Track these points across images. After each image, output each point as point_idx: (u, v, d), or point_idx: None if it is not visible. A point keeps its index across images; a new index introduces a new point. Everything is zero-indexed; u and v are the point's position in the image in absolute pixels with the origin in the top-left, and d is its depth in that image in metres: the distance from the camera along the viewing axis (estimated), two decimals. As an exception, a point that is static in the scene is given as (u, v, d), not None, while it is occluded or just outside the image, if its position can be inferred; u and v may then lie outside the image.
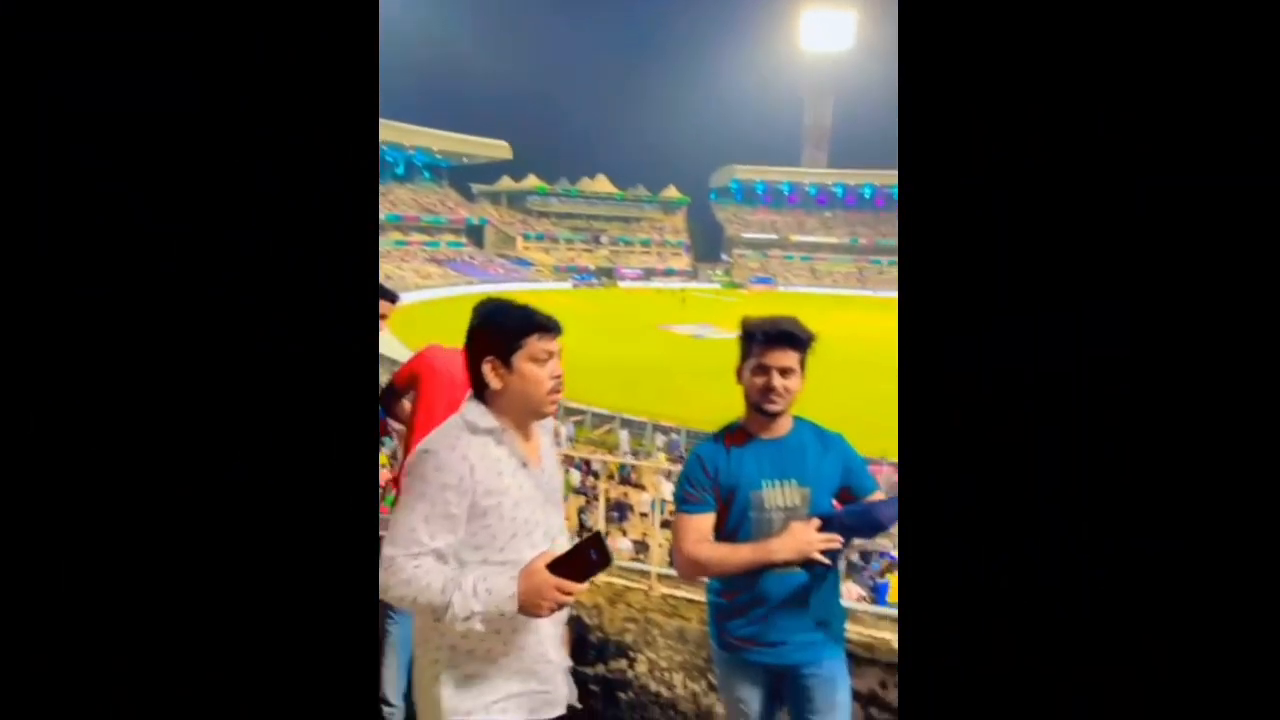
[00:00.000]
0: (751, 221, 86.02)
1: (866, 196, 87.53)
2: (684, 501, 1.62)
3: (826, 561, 1.48)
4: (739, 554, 1.55)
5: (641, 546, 8.76)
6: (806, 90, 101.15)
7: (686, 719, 2.23)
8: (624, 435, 15.90)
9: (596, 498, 12.06)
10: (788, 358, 1.58)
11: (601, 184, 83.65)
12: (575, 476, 12.94)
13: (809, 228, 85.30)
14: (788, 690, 1.67)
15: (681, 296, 50.92)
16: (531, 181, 78.72)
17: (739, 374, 1.65)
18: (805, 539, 1.49)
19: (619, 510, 11.99)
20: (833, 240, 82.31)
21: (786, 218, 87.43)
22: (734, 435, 1.66)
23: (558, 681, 1.37)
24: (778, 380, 1.57)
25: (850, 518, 1.53)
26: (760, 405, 1.60)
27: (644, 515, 11.26)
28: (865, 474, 1.69)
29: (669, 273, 74.61)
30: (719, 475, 1.61)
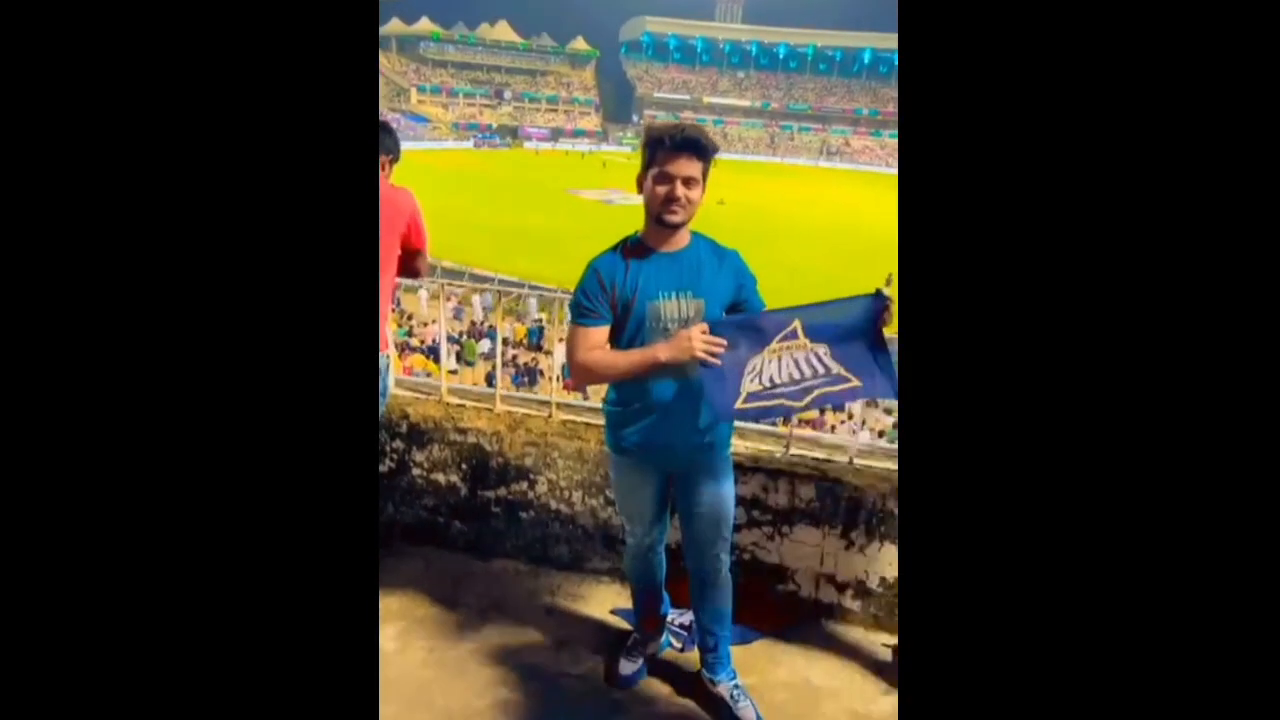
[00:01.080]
0: (664, 80, 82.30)
1: (780, 56, 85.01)
2: (579, 314, 1.63)
3: (714, 361, 1.52)
4: (627, 357, 1.59)
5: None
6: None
7: (585, 530, 2.40)
8: (533, 303, 15.75)
9: (506, 364, 12.15)
10: (692, 166, 1.54)
11: (503, 31, 76.80)
12: (485, 344, 12.87)
13: (722, 88, 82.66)
14: (677, 487, 1.80)
15: (602, 161, 49.24)
16: (425, 25, 71.19)
17: (640, 183, 1.60)
18: (687, 338, 1.52)
19: (529, 375, 12.13)
20: (745, 104, 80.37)
21: (699, 77, 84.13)
22: (632, 248, 1.65)
23: None
24: (680, 190, 1.54)
25: (735, 323, 1.59)
26: (661, 215, 1.57)
27: (555, 378, 11.42)
28: (755, 291, 1.72)
29: (578, 134, 71.27)
30: (615, 288, 1.61)
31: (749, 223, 26.08)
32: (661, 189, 1.55)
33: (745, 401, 1.60)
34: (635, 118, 77.03)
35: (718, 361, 1.52)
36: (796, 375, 1.62)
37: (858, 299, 1.58)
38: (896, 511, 2.14)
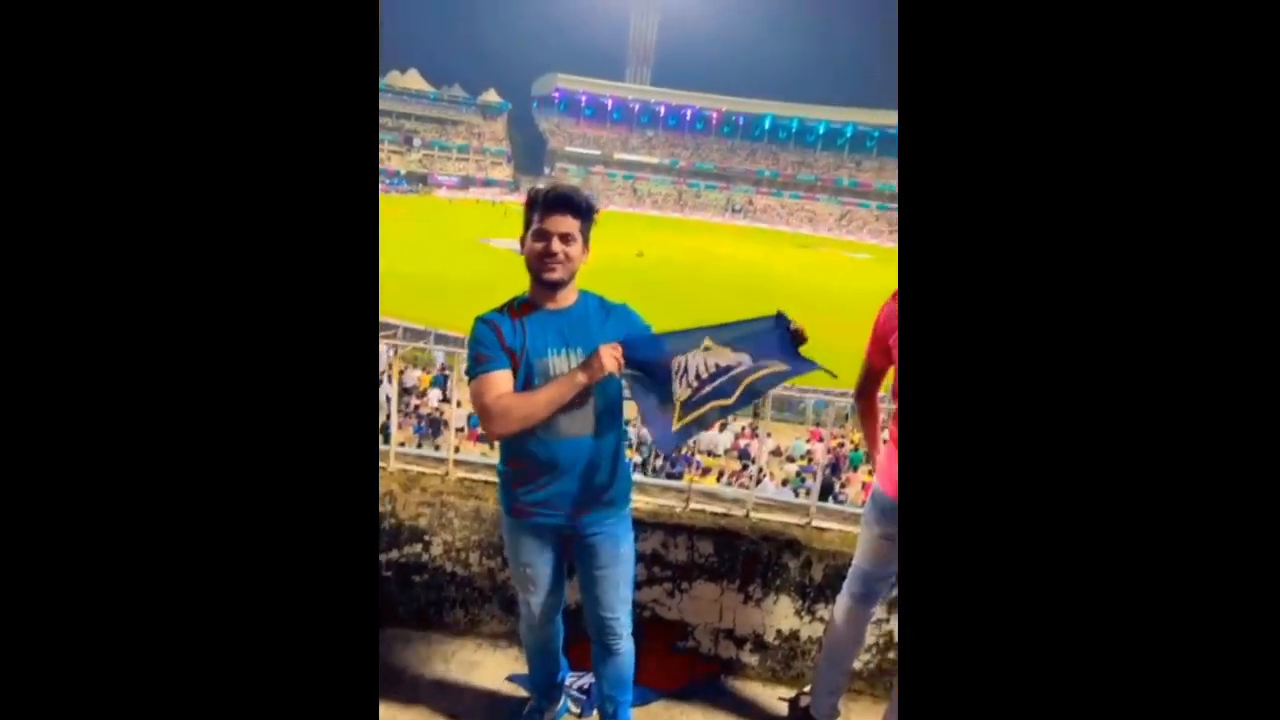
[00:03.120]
0: (575, 135, 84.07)
1: (687, 118, 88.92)
2: (477, 363, 1.61)
3: (617, 371, 1.56)
4: (544, 392, 1.57)
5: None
6: (632, 5, 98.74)
7: (482, 593, 2.32)
8: (438, 352, 15.33)
9: (408, 414, 11.70)
10: (567, 223, 1.58)
11: (413, 80, 76.59)
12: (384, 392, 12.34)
13: (632, 145, 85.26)
14: (574, 550, 1.78)
15: (503, 210, 49.33)
16: (330, 70, 69.65)
17: (522, 243, 1.63)
18: (598, 355, 1.54)
19: (433, 425, 11.70)
20: (654, 161, 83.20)
21: (611, 133, 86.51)
22: (519, 307, 1.66)
23: None
24: (557, 245, 1.58)
25: (649, 340, 1.63)
26: (540, 272, 1.60)
27: (460, 430, 11.08)
28: (648, 341, 1.69)
29: (489, 183, 71.36)
30: (507, 338, 1.61)
31: (663, 274, 26.67)
32: (539, 245, 1.59)
33: (682, 415, 1.63)
34: (547, 169, 77.92)
35: (616, 370, 1.55)
36: (724, 364, 1.66)
37: (760, 319, 1.65)
38: (791, 565, 2.19)
